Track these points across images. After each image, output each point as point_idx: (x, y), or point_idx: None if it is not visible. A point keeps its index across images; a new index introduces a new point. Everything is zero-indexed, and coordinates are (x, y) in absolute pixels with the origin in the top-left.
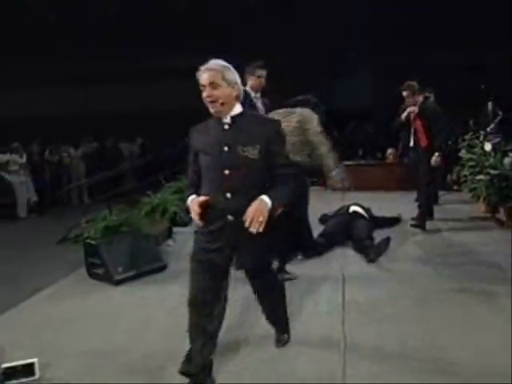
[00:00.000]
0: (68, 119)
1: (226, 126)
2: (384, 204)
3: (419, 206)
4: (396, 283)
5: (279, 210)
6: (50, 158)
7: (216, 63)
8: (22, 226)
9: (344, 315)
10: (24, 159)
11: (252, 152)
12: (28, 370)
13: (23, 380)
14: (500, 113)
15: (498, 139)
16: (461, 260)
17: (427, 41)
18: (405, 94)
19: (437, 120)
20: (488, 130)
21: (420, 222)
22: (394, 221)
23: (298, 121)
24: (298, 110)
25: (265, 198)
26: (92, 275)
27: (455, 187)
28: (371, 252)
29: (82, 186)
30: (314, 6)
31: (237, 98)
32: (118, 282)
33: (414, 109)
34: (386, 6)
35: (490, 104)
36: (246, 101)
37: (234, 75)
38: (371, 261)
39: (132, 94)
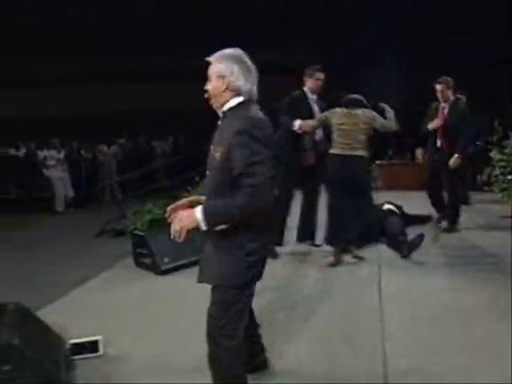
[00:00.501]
0: (103, 117)
1: (219, 122)
2: (414, 203)
3: (436, 208)
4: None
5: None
6: (85, 155)
7: (217, 54)
8: (60, 220)
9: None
10: (62, 155)
11: (217, 153)
12: (93, 346)
13: (88, 356)
14: None
15: None
16: (489, 257)
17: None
18: (438, 87)
19: (463, 122)
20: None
21: (450, 226)
22: (424, 219)
23: (366, 122)
24: (360, 111)
25: (198, 209)
26: (139, 264)
27: (486, 188)
28: (405, 248)
29: (114, 183)
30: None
31: (228, 89)
32: (164, 272)
33: (439, 122)
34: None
35: None
36: (302, 103)
37: (224, 66)
38: (405, 256)
39: (164, 92)
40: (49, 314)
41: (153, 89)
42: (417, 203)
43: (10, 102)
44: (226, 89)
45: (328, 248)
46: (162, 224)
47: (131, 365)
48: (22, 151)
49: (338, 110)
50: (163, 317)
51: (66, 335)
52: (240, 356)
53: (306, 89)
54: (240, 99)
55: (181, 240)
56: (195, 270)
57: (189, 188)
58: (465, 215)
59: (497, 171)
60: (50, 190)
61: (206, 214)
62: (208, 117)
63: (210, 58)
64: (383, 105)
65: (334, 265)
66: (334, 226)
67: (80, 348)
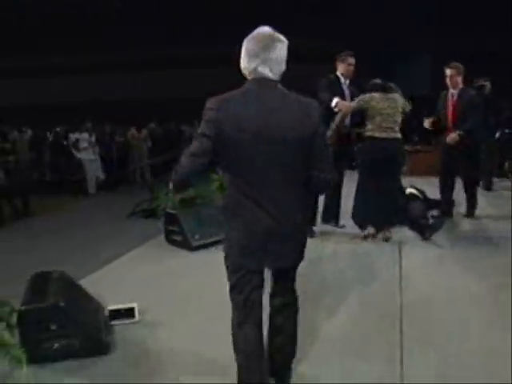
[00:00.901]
0: (133, 103)
1: None
2: (437, 188)
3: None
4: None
5: None
6: (117, 139)
7: None
8: (92, 202)
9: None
10: (93, 138)
11: None
12: (129, 313)
13: (125, 321)
14: None
15: None
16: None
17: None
18: (448, 72)
19: (472, 108)
20: None
21: (470, 211)
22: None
23: (402, 106)
24: (397, 95)
25: None
26: (170, 241)
27: (511, 175)
28: (426, 230)
29: (144, 166)
30: None
31: (244, 73)
32: (195, 248)
33: (455, 137)
34: None
35: None
36: (336, 86)
37: (243, 48)
38: (426, 239)
39: (191, 79)
40: (87, 285)
41: (179, 76)
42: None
43: (47, 89)
44: (243, 69)
45: (351, 229)
46: (192, 203)
47: (165, 331)
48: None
49: (375, 94)
50: (194, 289)
51: (104, 304)
52: None
53: (338, 73)
54: (248, 81)
55: None
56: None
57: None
58: (486, 201)
59: None
60: (81, 172)
61: None
62: None
63: None
64: (393, 85)
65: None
66: (368, 207)
67: (118, 314)
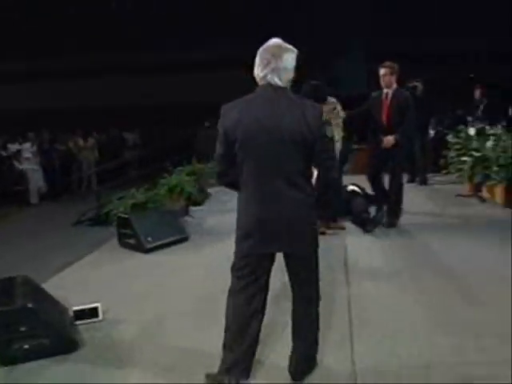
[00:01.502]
0: (73, 111)
1: None
2: None
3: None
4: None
5: None
6: (59, 148)
7: None
8: (35, 212)
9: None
10: (35, 148)
11: None
12: (93, 312)
13: (89, 320)
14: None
15: (483, 125)
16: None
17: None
18: (382, 71)
19: (407, 110)
20: (471, 118)
21: (393, 220)
22: (385, 198)
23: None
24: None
25: None
26: (124, 245)
27: (444, 171)
28: (368, 224)
29: (90, 175)
30: None
31: (257, 80)
32: (148, 250)
33: (391, 140)
34: None
35: (477, 92)
36: None
37: (257, 58)
38: (368, 231)
39: (130, 87)
40: (48, 289)
41: (117, 83)
42: None
43: None
44: (256, 76)
45: None
46: (143, 207)
47: (128, 327)
48: None
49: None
50: (151, 288)
51: (67, 305)
52: None
53: None
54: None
55: None
56: (176, 248)
57: (165, 175)
58: (423, 195)
59: (453, 154)
60: (23, 182)
61: None
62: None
63: None
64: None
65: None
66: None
67: (82, 314)
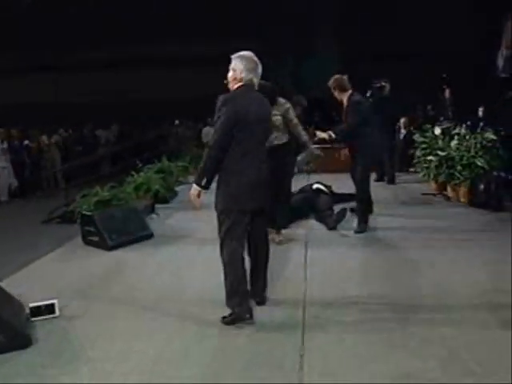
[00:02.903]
0: (43, 106)
1: None
2: (344, 183)
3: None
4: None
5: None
6: (30, 144)
7: (236, 54)
8: (4, 209)
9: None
10: (5, 145)
11: None
12: (50, 309)
13: (46, 317)
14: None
15: (449, 124)
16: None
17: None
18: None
19: (351, 110)
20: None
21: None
22: (351, 196)
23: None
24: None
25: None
26: (87, 242)
27: (412, 169)
28: (331, 221)
29: (57, 172)
30: None
31: (235, 80)
32: (111, 248)
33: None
34: None
35: (447, 91)
36: None
37: (237, 63)
38: (331, 228)
39: (108, 82)
40: (7, 286)
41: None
42: (347, 183)
43: None
44: (235, 78)
45: None
46: (107, 205)
47: (84, 323)
48: None
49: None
50: (110, 286)
51: (26, 302)
52: None
53: None
54: (238, 85)
55: (198, 204)
56: (139, 245)
57: (133, 173)
58: (391, 193)
59: (419, 153)
60: None
61: (195, 182)
62: (148, 106)
63: (232, 56)
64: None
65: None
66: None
67: (39, 310)
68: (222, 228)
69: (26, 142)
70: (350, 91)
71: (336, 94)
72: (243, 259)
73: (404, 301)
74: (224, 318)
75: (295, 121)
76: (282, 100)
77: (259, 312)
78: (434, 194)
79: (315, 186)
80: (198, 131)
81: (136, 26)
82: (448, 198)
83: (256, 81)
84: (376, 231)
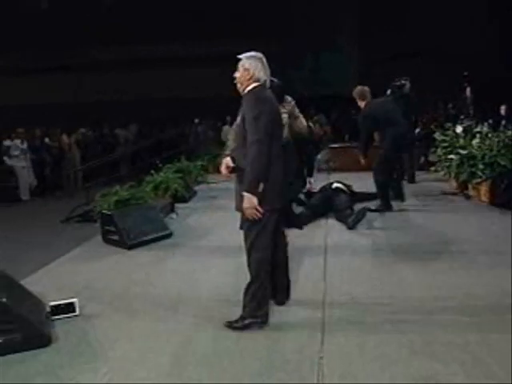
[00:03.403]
0: (65, 107)
1: (242, 102)
2: (366, 182)
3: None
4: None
5: (260, 186)
6: (50, 144)
7: (246, 54)
8: (26, 209)
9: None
10: (25, 145)
11: (239, 121)
12: (70, 307)
13: (66, 315)
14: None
15: (470, 123)
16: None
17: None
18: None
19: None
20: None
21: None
22: (372, 196)
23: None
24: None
25: (244, 193)
26: (107, 241)
27: (432, 168)
28: (350, 221)
29: (77, 171)
30: None
31: (251, 79)
32: (131, 247)
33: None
34: None
35: (468, 90)
36: None
37: (251, 62)
38: (351, 228)
39: (126, 82)
40: (29, 284)
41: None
42: (368, 182)
43: None
44: (250, 78)
45: None
46: (127, 204)
47: (104, 323)
48: None
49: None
50: (130, 285)
51: (46, 300)
52: None
53: None
54: (255, 84)
55: (259, 216)
56: (157, 244)
57: (152, 172)
58: (411, 192)
59: (440, 152)
60: (14, 179)
61: (248, 190)
62: (168, 105)
63: (241, 56)
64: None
65: None
66: None
67: (59, 309)
68: (250, 233)
69: (47, 140)
70: (366, 101)
71: (358, 103)
72: (270, 266)
73: (426, 303)
74: (232, 322)
75: (301, 116)
76: (288, 97)
77: (278, 312)
78: (454, 193)
79: (335, 185)
80: (218, 130)
81: (157, 26)
82: (469, 197)
83: (268, 82)
84: (397, 231)
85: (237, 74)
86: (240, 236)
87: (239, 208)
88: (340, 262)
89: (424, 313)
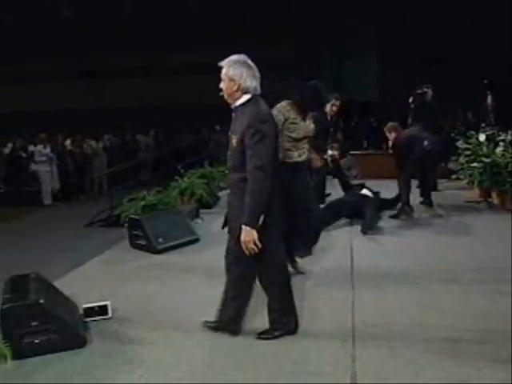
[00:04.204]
0: (88, 112)
1: (234, 115)
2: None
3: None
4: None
5: (261, 218)
6: (73, 149)
7: (227, 60)
8: (48, 213)
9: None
10: (48, 149)
11: (234, 140)
12: (102, 310)
13: (99, 318)
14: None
15: (493, 131)
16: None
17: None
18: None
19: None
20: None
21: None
22: (396, 201)
23: None
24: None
25: (243, 227)
26: (134, 246)
27: (454, 176)
28: (375, 227)
29: (102, 176)
30: None
31: (239, 90)
32: (159, 251)
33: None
34: None
35: (489, 97)
36: None
37: (235, 70)
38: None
39: (147, 88)
40: (59, 287)
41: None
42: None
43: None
44: (238, 89)
45: None
46: (154, 209)
47: (136, 325)
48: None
49: None
50: (159, 288)
51: (77, 303)
52: None
53: None
54: (248, 96)
55: (257, 251)
56: (185, 249)
57: (177, 178)
58: (434, 199)
59: (462, 159)
60: (37, 183)
61: (248, 223)
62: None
63: (222, 63)
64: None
65: None
66: None
67: (92, 311)
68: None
69: (69, 146)
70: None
71: (388, 134)
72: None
73: (456, 308)
74: (208, 322)
75: None
76: None
77: (308, 320)
78: (477, 202)
79: (364, 191)
80: None
81: (178, 32)
82: (492, 206)
83: (259, 88)
84: (423, 239)
85: (222, 85)
86: None
87: (234, 233)
88: (368, 268)
89: (455, 319)
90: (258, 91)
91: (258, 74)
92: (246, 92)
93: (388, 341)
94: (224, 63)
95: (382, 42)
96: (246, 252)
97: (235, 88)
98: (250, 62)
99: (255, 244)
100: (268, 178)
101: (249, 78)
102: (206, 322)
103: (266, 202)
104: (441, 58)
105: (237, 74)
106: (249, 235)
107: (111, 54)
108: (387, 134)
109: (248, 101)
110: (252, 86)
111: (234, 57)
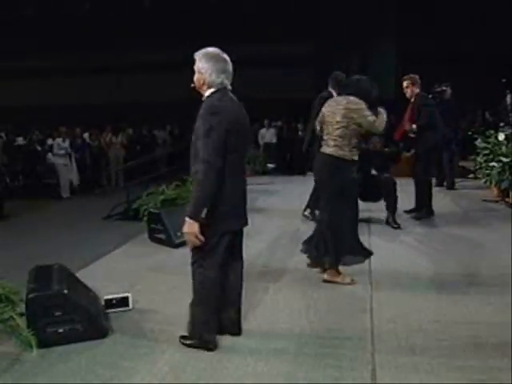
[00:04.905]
0: (104, 107)
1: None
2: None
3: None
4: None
5: (204, 211)
6: (91, 143)
7: (199, 52)
8: (66, 206)
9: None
10: (67, 143)
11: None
12: (123, 301)
13: (119, 309)
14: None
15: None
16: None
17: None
18: (405, 84)
19: (422, 111)
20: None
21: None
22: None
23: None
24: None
25: (186, 218)
26: (153, 239)
27: (471, 175)
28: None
29: (118, 170)
30: None
31: (205, 84)
32: (177, 245)
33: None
34: None
35: (509, 96)
36: None
37: (203, 64)
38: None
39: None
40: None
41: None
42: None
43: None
44: (204, 82)
45: None
46: (173, 203)
47: (157, 317)
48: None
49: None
50: (179, 281)
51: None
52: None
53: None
54: (212, 90)
55: (198, 243)
56: None
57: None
58: (451, 199)
59: (481, 159)
60: (55, 176)
61: (190, 215)
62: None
63: (195, 55)
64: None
65: None
66: None
67: (113, 303)
68: (197, 252)
69: (87, 139)
70: (418, 91)
71: (408, 90)
72: (218, 285)
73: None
74: (184, 337)
75: None
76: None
77: (325, 327)
78: (495, 201)
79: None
80: (254, 132)
81: (195, 27)
82: (510, 205)
83: (228, 82)
84: (443, 244)
85: (195, 78)
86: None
87: None
88: (386, 269)
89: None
90: (225, 85)
91: (229, 68)
92: (210, 86)
93: (406, 340)
94: (196, 55)
95: (402, 40)
96: (189, 244)
97: (202, 81)
98: (222, 55)
99: (197, 237)
100: (212, 172)
101: (215, 72)
102: None
103: (209, 196)
104: (459, 56)
105: (204, 68)
106: (190, 227)
107: (131, 49)
108: (409, 87)
109: (212, 94)
110: (217, 81)
111: (205, 49)
